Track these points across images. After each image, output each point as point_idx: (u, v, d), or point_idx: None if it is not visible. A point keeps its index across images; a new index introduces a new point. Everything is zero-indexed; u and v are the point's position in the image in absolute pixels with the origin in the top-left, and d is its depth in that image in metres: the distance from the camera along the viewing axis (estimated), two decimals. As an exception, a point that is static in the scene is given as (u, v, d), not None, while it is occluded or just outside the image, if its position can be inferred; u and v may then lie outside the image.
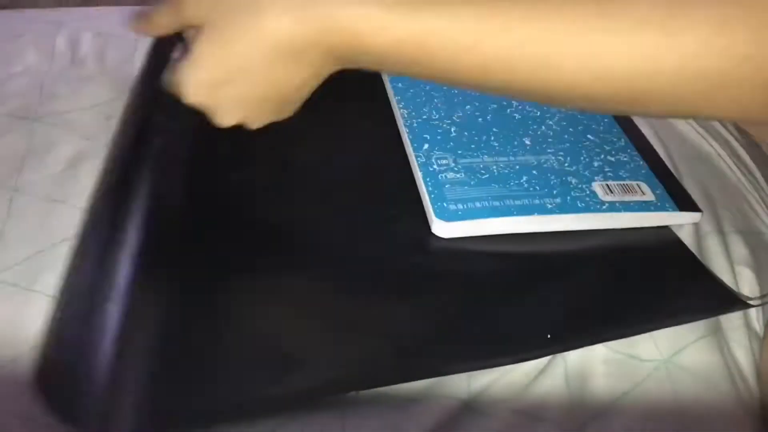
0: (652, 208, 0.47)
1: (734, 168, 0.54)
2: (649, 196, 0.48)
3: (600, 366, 0.39)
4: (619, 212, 0.46)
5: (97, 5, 0.67)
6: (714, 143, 0.56)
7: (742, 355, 0.41)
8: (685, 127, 0.57)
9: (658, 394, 0.38)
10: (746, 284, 0.45)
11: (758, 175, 0.55)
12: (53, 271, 0.41)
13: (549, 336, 0.39)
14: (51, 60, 0.57)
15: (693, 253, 0.45)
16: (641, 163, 0.51)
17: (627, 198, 0.47)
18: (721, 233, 0.48)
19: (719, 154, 0.55)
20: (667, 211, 0.47)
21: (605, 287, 0.43)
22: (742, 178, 0.53)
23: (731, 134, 0.57)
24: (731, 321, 0.43)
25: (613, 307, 0.42)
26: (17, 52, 0.57)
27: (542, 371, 0.39)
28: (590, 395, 0.38)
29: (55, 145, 0.49)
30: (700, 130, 0.57)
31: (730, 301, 0.42)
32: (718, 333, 0.42)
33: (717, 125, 0.58)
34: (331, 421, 0.36)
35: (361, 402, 0.37)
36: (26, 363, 0.37)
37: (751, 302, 0.42)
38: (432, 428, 0.36)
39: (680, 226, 0.48)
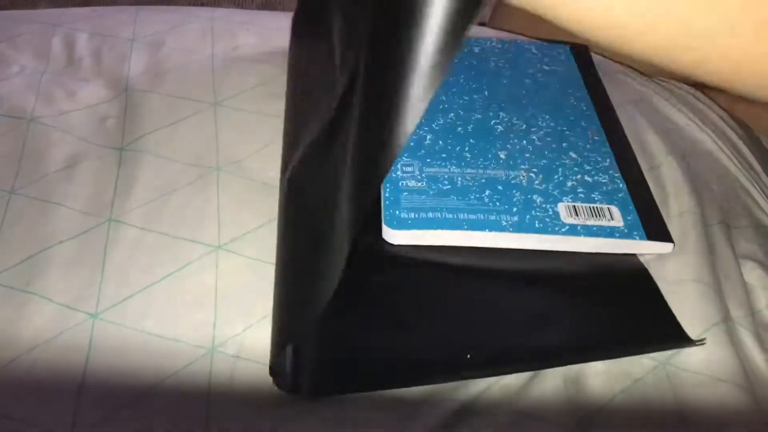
0: (617, 234, 0.45)
1: (735, 162, 0.54)
2: (618, 222, 0.46)
3: (597, 364, 0.39)
4: (578, 236, 0.44)
5: (94, 6, 0.67)
6: (714, 137, 0.55)
7: (754, 347, 0.41)
8: (683, 120, 0.57)
9: (657, 391, 0.38)
10: (753, 276, 0.45)
11: (758, 168, 0.55)
12: (50, 273, 0.41)
13: (468, 356, 0.39)
14: (47, 61, 0.57)
15: (655, 283, 0.44)
16: (621, 185, 0.48)
17: (591, 222, 0.45)
18: (725, 225, 0.48)
19: (720, 148, 0.55)
20: (633, 239, 0.45)
21: (554, 309, 0.42)
22: (743, 172, 0.53)
23: (730, 128, 0.57)
24: (740, 310, 0.43)
25: (557, 329, 0.41)
26: (13, 53, 0.57)
27: (540, 372, 0.39)
28: (589, 393, 0.38)
29: (51, 147, 0.49)
30: (700, 124, 0.56)
31: (679, 337, 0.41)
32: (724, 325, 0.41)
33: (716, 119, 0.57)
34: (327, 423, 0.36)
35: (359, 405, 0.37)
36: (23, 365, 0.37)
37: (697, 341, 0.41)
38: (431, 430, 0.36)
39: (681, 218, 0.48)
